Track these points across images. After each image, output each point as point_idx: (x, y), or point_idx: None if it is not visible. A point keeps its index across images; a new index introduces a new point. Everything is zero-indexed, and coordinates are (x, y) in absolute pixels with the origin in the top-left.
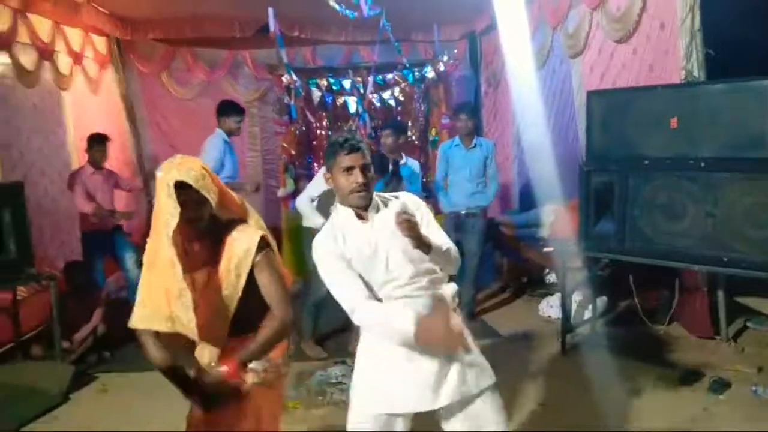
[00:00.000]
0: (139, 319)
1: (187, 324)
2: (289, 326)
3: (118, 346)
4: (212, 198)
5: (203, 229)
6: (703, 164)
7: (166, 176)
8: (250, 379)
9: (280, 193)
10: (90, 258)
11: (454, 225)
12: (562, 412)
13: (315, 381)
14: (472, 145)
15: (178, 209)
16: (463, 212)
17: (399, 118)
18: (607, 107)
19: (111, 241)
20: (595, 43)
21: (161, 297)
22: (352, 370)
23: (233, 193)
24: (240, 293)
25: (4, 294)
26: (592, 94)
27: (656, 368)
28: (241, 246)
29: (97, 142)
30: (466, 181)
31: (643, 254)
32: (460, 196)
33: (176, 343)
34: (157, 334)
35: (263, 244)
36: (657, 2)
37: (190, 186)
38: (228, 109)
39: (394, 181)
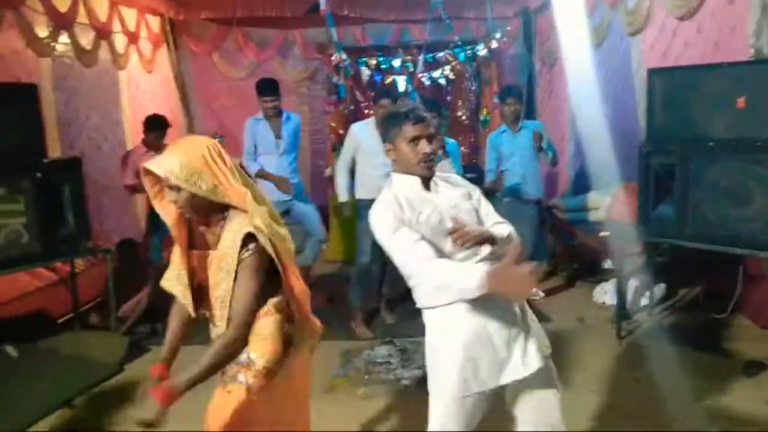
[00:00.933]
0: (165, 280)
1: (185, 300)
2: (240, 346)
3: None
4: (197, 189)
5: (203, 215)
6: None
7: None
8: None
9: (327, 172)
10: (150, 235)
11: (511, 212)
12: (614, 400)
13: (362, 359)
14: (518, 128)
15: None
16: (522, 198)
17: (449, 98)
18: (670, 86)
19: None
20: (656, 20)
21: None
22: (399, 350)
23: (235, 182)
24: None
25: (63, 266)
26: (653, 72)
27: (716, 358)
28: (226, 242)
29: (156, 128)
30: (519, 167)
31: (705, 240)
32: (516, 183)
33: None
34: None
35: (248, 242)
36: None
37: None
38: (260, 88)
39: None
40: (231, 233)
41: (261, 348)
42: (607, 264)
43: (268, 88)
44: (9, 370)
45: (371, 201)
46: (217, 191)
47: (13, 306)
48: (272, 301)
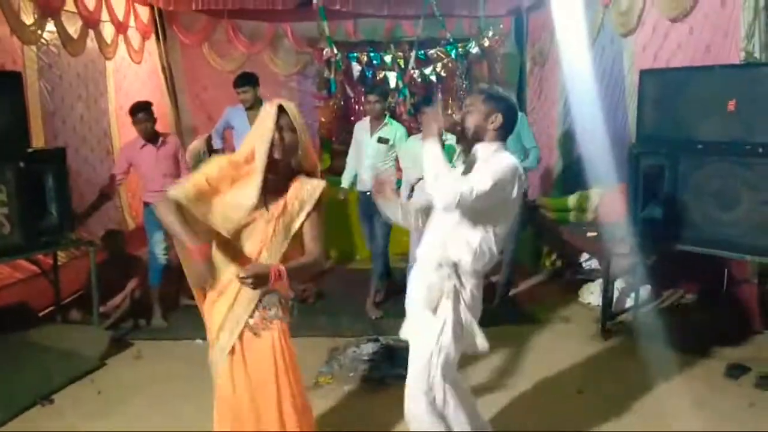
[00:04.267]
0: (183, 195)
1: (227, 226)
2: (322, 264)
3: (151, 316)
4: (302, 137)
5: (282, 170)
6: (761, 150)
7: (272, 105)
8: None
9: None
10: (147, 230)
11: None
12: (599, 401)
13: (347, 357)
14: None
15: (273, 131)
16: None
17: (440, 95)
18: (661, 87)
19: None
20: (648, 22)
21: (223, 195)
22: (384, 347)
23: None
24: (293, 231)
25: (45, 258)
26: (645, 74)
27: (700, 360)
28: (308, 188)
29: (140, 111)
30: None
31: (691, 242)
32: None
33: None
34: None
35: (324, 193)
36: None
37: (287, 114)
38: (235, 80)
39: None
40: (313, 183)
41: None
42: (594, 264)
43: (240, 79)
44: None
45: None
46: (306, 147)
47: None
48: None
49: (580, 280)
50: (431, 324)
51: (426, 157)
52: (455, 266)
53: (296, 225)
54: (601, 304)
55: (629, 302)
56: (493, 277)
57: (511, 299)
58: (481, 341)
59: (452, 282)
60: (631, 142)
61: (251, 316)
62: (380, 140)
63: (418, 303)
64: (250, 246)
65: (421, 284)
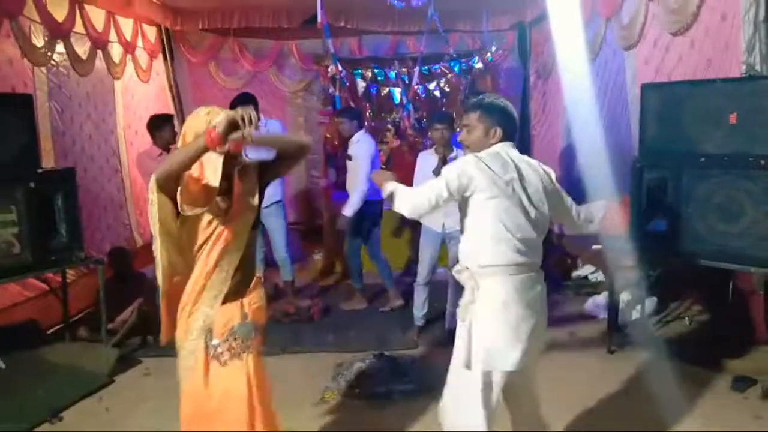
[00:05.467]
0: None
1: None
2: (307, 149)
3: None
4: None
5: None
6: (763, 162)
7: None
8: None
9: (323, 183)
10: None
11: None
12: (606, 415)
13: (353, 372)
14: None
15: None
16: None
17: (444, 110)
18: (663, 101)
19: None
20: (650, 36)
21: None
22: (389, 363)
23: None
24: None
25: (54, 276)
26: (646, 87)
27: (706, 372)
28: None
29: (165, 123)
30: None
31: (696, 255)
32: None
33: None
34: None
35: None
36: None
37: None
38: (233, 101)
39: None
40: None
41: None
42: (600, 276)
43: (240, 99)
44: None
45: None
46: None
47: (3, 316)
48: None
49: (585, 293)
50: (461, 334)
51: (394, 199)
52: (468, 270)
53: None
54: (607, 316)
55: (635, 315)
56: None
57: None
58: (503, 358)
59: (470, 285)
60: (635, 154)
61: (220, 344)
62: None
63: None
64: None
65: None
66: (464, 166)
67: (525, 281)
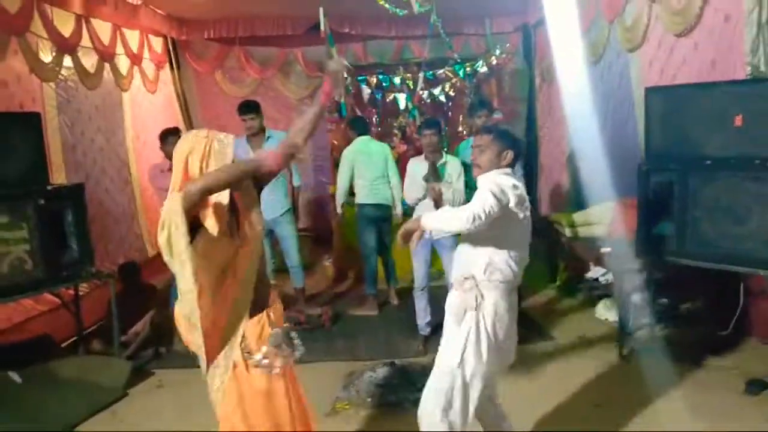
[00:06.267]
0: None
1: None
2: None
3: (174, 342)
4: None
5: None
6: None
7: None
8: None
9: (332, 189)
10: None
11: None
12: (617, 418)
13: (364, 382)
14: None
15: None
16: None
17: (449, 114)
18: (667, 104)
19: None
20: (654, 37)
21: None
22: (400, 372)
23: None
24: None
25: (66, 290)
26: (650, 91)
27: (719, 375)
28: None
29: (170, 135)
30: None
31: (704, 258)
32: None
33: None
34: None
35: None
36: None
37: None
38: (239, 108)
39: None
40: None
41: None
42: (610, 279)
43: (244, 107)
44: (12, 395)
45: None
46: None
47: (17, 331)
48: None
49: (596, 296)
50: (456, 335)
51: (440, 224)
52: (474, 279)
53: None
54: (617, 320)
55: (646, 318)
56: None
57: (527, 316)
58: (507, 358)
59: (473, 294)
60: (641, 156)
61: (263, 356)
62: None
63: (448, 318)
64: None
65: (451, 300)
66: (501, 183)
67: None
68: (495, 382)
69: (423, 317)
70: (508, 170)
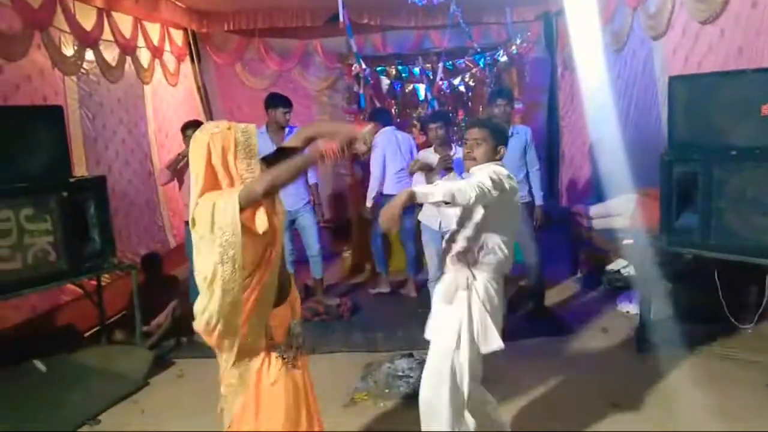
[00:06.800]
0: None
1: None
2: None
3: (193, 332)
4: None
5: None
6: None
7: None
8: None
9: (349, 180)
10: (188, 248)
11: None
12: (635, 414)
13: (382, 373)
14: (509, 134)
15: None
16: None
17: (469, 104)
18: (692, 93)
19: None
20: (678, 24)
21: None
22: (418, 363)
23: None
24: None
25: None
26: (674, 80)
27: (742, 371)
28: None
29: (189, 128)
30: None
31: (728, 250)
32: None
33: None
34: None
35: None
36: None
37: None
38: (277, 99)
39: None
40: None
41: None
42: (632, 271)
43: (284, 100)
44: (37, 383)
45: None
46: None
47: (42, 320)
48: None
49: (617, 288)
50: (450, 318)
51: (433, 195)
52: (466, 260)
53: None
54: (638, 312)
55: (668, 310)
56: (521, 282)
57: (548, 309)
58: (496, 340)
59: (465, 274)
60: (665, 145)
61: (283, 347)
62: None
63: (438, 299)
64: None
65: (441, 281)
66: (498, 171)
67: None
68: (480, 372)
69: None
70: (502, 163)
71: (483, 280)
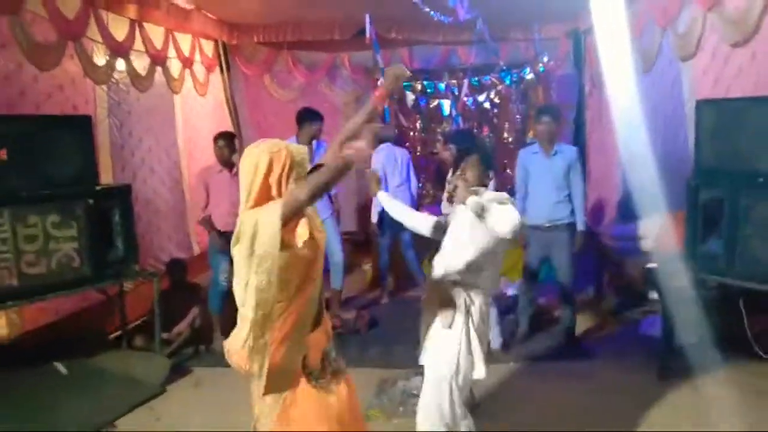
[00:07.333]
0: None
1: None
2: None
3: (212, 341)
4: None
5: None
6: None
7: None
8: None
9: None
10: (211, 256)
11: (538, 239)
12: None
13: (397, 391)
14: (553, 152)
15: None
16: (546, 225)
17: (495, 121)
18: (719, 118)
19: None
20: (708, 46)
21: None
22: None
23: None
24: None
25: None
26: (702, 104)
27: (761, 402)
28: None
29: (220, 138)
30: (547, 192)
31: (754, 278)
32: (541, 208)
33: None
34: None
35: None
36: None
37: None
38: (310, 114)
39: None
40: None
41: None
42: (655, 296)
43: (315, 114)
44: (58, 386)
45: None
46: None
47: (65, 323)
48: None
49: (642, 312)
50: (448, 342)
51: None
52: (464, 282)
53: None
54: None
55: (692, 337)
56: (555, 311)
57: (577, 338)
58: (480, 367)
59: (462, 296)
60: (692, 170)
61: (324, 373)
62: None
63: (432, 319)
64: None
65: (437, 303)
66: (501, 198)
67: None
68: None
69: (495, 333)
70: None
71: (478, 303)
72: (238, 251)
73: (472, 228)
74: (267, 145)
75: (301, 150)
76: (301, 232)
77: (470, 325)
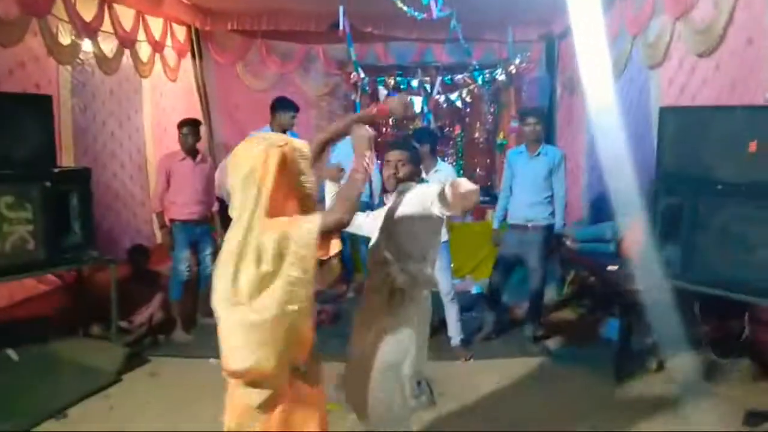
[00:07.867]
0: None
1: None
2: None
3: (172, 330)
4: None
5: None
6: None
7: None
8: None
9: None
10: (175, 247)
11: (513, 237)
12: None
13: None
14: (537, 153)
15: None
16: (523, 224)
17: (466, 119)
18: (681, 125)
19: (194, 233)
20: (675, 55)
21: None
22: None
23: None
24: None
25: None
26: (665, 111)
27: (719, 404)
28: None
29: (185, 125)
30: (527, 191)
31: (709, 284)
32: (520, 207)
33: None
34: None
35: None
36: (745, 16)
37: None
38: (284, 103)
39: None
40: None
41: None
42: (618, 297)
43: (292, 104)
44: (8, 373)
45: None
46: None
47: (18, 309)
48: None
49: (605, 315)
50: (398, 333)
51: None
52: (414, 273)
53: None
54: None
55: (648, 340)
56: (518, 309)
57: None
58: (425, 358)
59: (415, 287)
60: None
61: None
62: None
63: (378, 310)
64: None
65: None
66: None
67: None
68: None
69: (456, 329)
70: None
71: (420, 301)
72: (254, 270)
73: (401, 207)
74: (272, 140)
75: (303, 143)
76: (335, 242)
77: (419, 315)
